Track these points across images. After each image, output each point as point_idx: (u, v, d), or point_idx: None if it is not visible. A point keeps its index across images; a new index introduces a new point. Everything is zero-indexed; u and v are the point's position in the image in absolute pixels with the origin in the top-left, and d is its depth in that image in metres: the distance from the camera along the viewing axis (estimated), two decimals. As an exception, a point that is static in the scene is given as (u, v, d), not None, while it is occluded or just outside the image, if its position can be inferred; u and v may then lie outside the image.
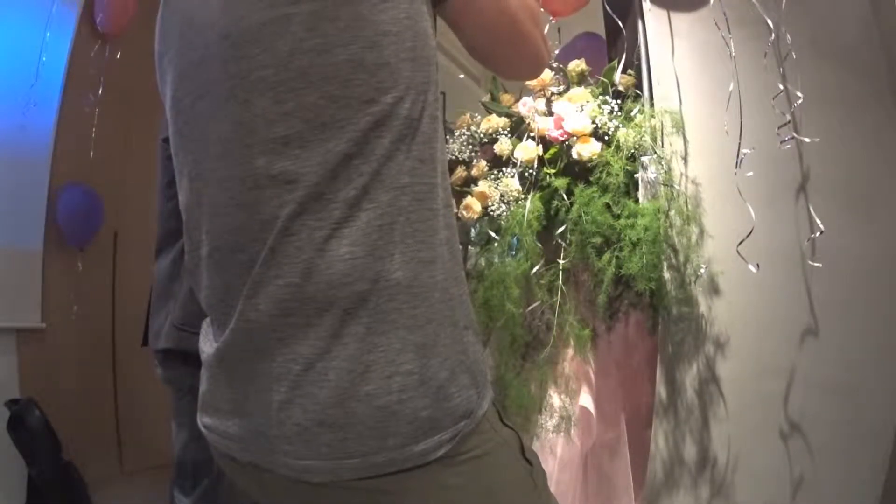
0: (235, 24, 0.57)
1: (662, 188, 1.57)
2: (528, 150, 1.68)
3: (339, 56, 0.54)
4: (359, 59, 0.54)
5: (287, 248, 0.55)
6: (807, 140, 1.47)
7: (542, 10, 1.62)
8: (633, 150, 1.58)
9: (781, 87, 1.50)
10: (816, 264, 1.45)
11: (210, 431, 0.69)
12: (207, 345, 0.66)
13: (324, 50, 0.54)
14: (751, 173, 1.49)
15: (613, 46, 1.88)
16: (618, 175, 1.55)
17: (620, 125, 1.62)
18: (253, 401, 0.58)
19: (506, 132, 1.77)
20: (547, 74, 1.75)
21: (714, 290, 1.56)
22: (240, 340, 0.59)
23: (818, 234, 1.44)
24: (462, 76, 2.77)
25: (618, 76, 1.69)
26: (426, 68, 0.59)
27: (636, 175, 1.61)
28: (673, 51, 1.67)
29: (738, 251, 1.45)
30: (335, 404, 0.53)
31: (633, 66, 1.73)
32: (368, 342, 0.53)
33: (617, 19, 1.78)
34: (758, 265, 1.44)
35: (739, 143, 1.49)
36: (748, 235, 1.45)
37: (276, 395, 0.55)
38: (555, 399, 1.58)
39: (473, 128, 1.84)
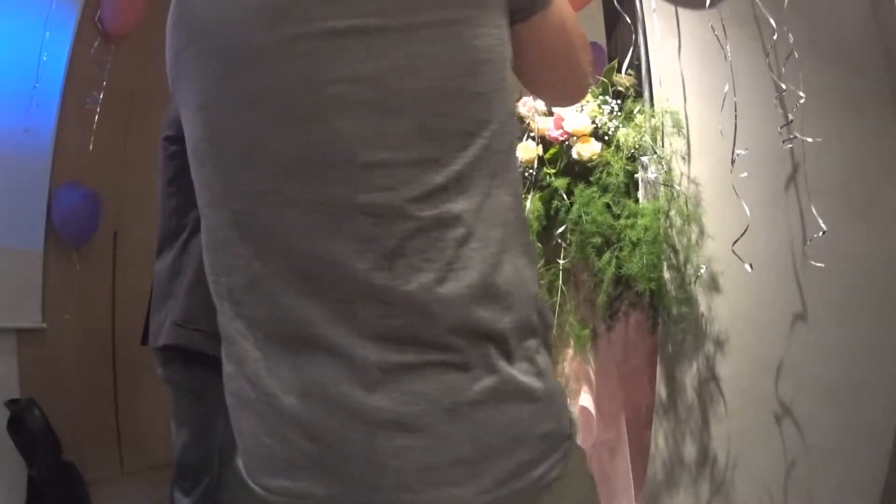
0: (308, 25, 0.50)
1: (662, 188, 1.57)
2: (528, 150, 1.68)
3: (435, 81, 0.50)
4: (458, 87, 0.50)
5: (395, 288, 0.49)
6: (808, 140, 1.47)
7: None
8: (633, 150, 1.58)
9: (783, 86, 1.50)
10: (818, 264, 1.45)
11: (279, 496, 0.53)
12: (264, 382, 0.53)
13: (419, 72, 0.49)
14: (745, 174, 1.49)
15: (614, 46, 1.88)
16: (618, 175, 1.55)
17: (621, 125, 1.62)
18: (349, 451, 0.50)
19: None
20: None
21: (714, 289, 1.56)
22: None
23: (820, 233, 1.44)
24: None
25: (623, 71, 1.69)
26: (512, 98, 0.56)
27: (636, 175, 1.61)
28: (679, 49, 1.67)
29: (733, 251, 1.46)
30: (467, 438, 0.49)
31: (634, 66, 1.73)
32: (490, 364, 0.50)
33: (623, 12, 1.77)
34: (751, 265, 1.45)
35: (734, 143, 1.49)
36: (742, 235, 1.45)
37: (390, 441, 0.48)
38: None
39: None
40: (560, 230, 1.60)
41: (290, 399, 0.51)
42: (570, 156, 1.63)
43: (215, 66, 0.54)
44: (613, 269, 1.50)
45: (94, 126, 2.52)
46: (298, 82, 0.50)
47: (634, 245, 1.49)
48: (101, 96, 2.52)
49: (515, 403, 0.50)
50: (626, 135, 1.58)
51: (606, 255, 1.52)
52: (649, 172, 1.59)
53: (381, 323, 0.49)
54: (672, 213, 1.56)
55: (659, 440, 1.57)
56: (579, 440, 1.58)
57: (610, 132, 1.62)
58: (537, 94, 0.85)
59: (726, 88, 1.53)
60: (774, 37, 1.50)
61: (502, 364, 0.50)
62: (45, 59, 2.33)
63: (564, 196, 1.61)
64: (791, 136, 1.48)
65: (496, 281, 0.51)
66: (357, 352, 0.49)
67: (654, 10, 1.69)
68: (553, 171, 1.65)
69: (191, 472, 1.33)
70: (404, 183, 0.49)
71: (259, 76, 0.51)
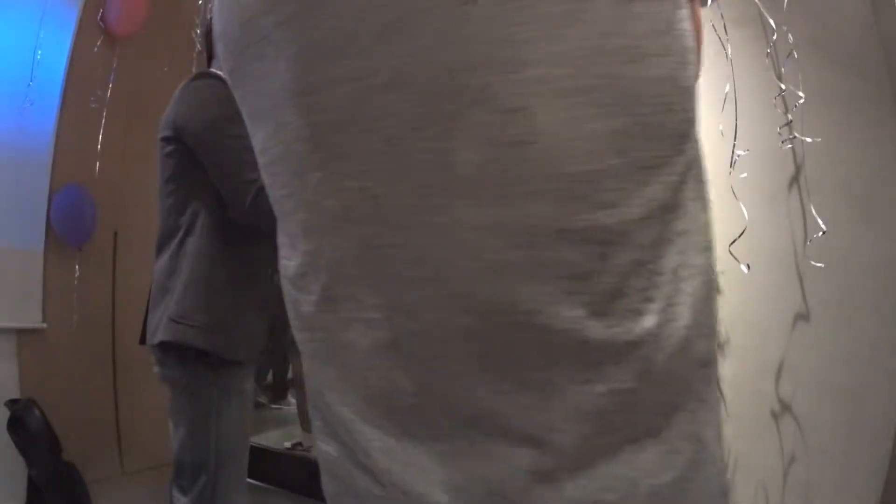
0: None
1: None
2: None
3: (652, 70, 0.38)
4: (673, 78, 0.39)
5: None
6: (808, 140, 1.47)
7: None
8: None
9: (783, 86, 1.50)
10: (818, 264, 1.45)
11: None
12: (397, 477, 0.40)
13: (634, 58, 0.38)
14: (744, 174, 1.49)
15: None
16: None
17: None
18: None
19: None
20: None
21: (714, 290, 1.56)
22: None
23: (820, 234, 1.44)
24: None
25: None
26: None
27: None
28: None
29: (730, 251, 1.46)
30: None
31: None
32: (692, 431, 0.40)
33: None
34: (748, 265, 1.45)
35: (734, 144, 1.49)
36: (739, 236, 1.45)
37: None
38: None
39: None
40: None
41: (442, 498, 0.38)
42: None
43: (341, 41, 0.39)
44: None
45: (98, 126, 2.53)
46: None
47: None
48: (106, 96, 2.52)
49: (709, 470, 0.40)
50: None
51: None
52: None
53: (587, 391, 0.37)
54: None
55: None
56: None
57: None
58: None
59: (727, 89, 1.53)
60: (774, 37, 1.50)
61: (707, 430, 0.40)
62: (39, 56, 2.32)
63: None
64: (791, 136, 1.48)
65: (706, 320, 0.40)
66: (548, 435, 0.36)
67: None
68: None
69: (188, 470, 1.34)
70: (624, 198, 0.37)
71: (412, 50, 0.37)
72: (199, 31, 2.52)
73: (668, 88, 0.39)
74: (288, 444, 3.03)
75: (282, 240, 0.48)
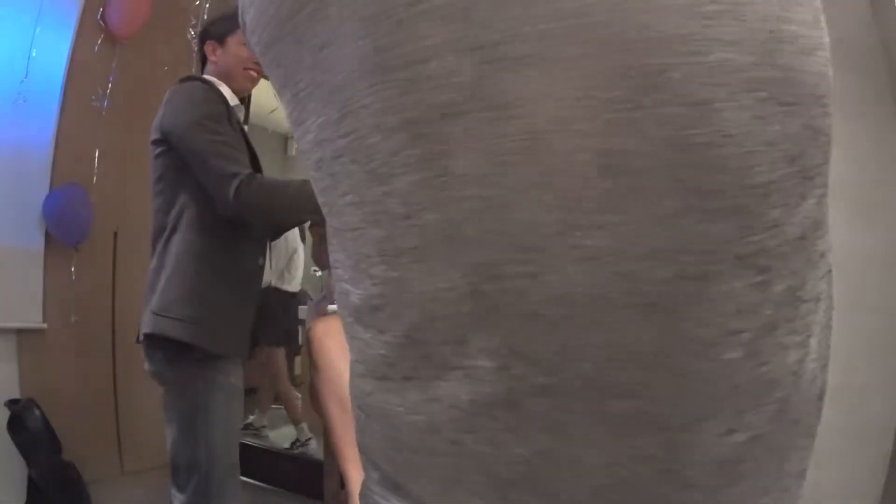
0: None
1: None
2: None
3: (817, 65, 0.33)
4: (827, 76, 0.34)
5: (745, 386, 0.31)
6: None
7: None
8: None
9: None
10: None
11: None
12: None
13: (805, 49, 0.33)
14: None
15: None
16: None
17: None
18: None
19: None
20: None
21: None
22: None
23: (818, 234, 1.44)
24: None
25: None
26: None
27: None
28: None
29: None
30: None
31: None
32: (802, 469, 0.37)
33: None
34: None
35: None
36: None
37: None
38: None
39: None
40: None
41: None
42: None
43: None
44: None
45: (98, 126, 2.53)
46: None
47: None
48: (107, 95, 2.52)
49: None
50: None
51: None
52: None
53: (728, 442, 0.31)
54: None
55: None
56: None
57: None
58: None
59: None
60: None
61: (809, 463, 0.37)
62: (34, 55, 2.32)
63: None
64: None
65: (826, 350, 0.37)
66: (682, 494, 0.31)
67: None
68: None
69: (182, 468, 1.35)
70: (786, 216, 0.32)
71: (564, 10, 0.29)
72: (193, 34, 2.53)
73: (826, 87, 0.34)
74: (286, 445, 3.03)
75: (337, 256, 0.38)
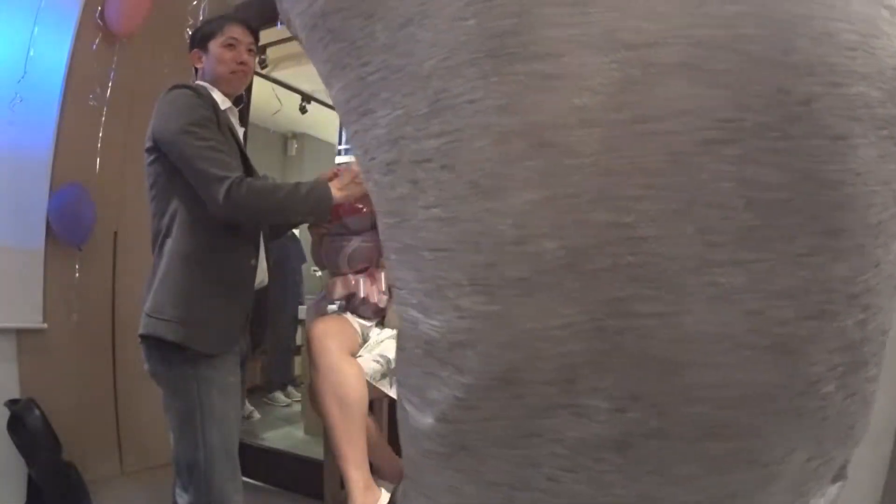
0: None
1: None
2: None
3: None
4: None
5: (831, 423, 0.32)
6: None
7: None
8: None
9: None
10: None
11: None
12: None
13: None
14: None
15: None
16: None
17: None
18: None
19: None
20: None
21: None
22: None
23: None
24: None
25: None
26: None
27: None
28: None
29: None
30: None
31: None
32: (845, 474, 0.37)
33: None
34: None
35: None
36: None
37: None
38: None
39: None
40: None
41: None
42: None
43: None
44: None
45: (98, 125, 2.52)
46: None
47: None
48: (106, 95, 2.52)
49: None
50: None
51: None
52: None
53: (809, 468, 0.33)
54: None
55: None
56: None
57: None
58: None
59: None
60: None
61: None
62: (33, 54, 2.32)
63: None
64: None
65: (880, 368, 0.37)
66: None
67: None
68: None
69: (183, 467, 1.36)
70: (884, 254, 0.31)
71: (724, 17, 0.26)
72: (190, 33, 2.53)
73: None
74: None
75: (403, 276, 0.33)
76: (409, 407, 0.35)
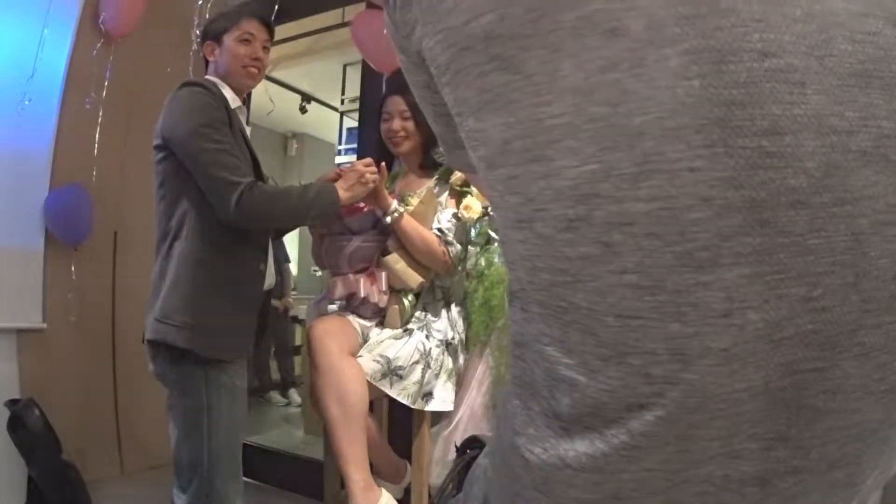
0: None
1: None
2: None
3: None
4: None
5: None
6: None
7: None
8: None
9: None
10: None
11: None
12: None
13: None
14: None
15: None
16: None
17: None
18: None
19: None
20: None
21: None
22: None
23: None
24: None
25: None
26: None
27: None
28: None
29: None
30: None
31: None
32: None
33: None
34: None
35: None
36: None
37: None
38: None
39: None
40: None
41: None
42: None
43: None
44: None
45: (97, 126, 2.52)
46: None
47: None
48: (104, 95, 2.52)
49: None
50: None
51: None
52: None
53: (872, 482, 0.35)
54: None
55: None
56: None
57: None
58: None
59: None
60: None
61: None
62: (41, 56, 2.32)
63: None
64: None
65: None
66: None
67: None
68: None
69: (185, 468, 1.35)
70: None
71: None
72: (197, 33, 2.52)
73: None
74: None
75: (561, 334, 0.32)
76: (538, 453, 0.34)
